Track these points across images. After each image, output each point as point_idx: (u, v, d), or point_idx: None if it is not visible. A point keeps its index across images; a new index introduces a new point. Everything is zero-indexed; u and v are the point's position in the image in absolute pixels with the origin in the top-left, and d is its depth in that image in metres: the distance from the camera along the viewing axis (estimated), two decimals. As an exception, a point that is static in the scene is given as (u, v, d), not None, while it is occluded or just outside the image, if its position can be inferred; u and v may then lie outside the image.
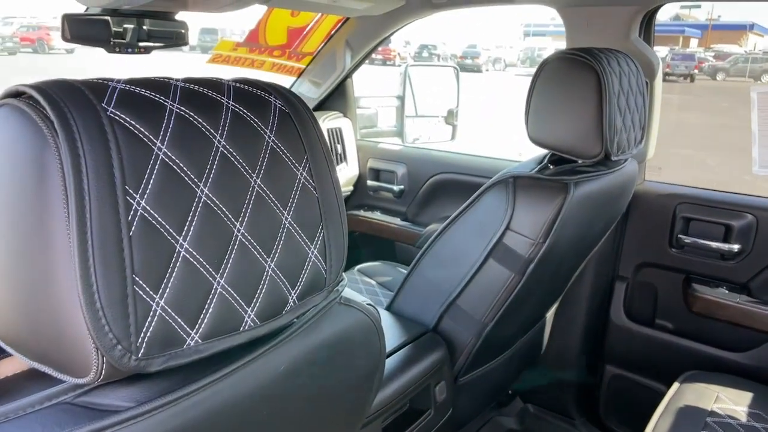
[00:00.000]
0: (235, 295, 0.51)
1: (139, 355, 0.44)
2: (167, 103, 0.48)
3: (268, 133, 0.54)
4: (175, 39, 1.23)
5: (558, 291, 1.59)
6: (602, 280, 1.80)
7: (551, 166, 1.31)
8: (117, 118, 0.44)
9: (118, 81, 0.48)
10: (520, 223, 1.21)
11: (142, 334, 0.44)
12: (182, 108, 0.48)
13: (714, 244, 1.61)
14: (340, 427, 0.80)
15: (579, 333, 1.82)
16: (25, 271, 0.42)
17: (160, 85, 0.49)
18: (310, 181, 0.59)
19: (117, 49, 1.14)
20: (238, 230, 0.51)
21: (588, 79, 1.19)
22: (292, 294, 0.58)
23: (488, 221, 1.26)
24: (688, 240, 1.65)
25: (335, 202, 0.62)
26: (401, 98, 2.52)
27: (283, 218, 0.56)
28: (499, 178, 1.26)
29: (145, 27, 1.16)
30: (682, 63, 21.65)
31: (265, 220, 0.53)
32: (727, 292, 1.63)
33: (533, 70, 1.30)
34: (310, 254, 0.59)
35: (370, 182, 2.39)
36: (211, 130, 0.50)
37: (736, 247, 1.59)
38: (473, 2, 1.87)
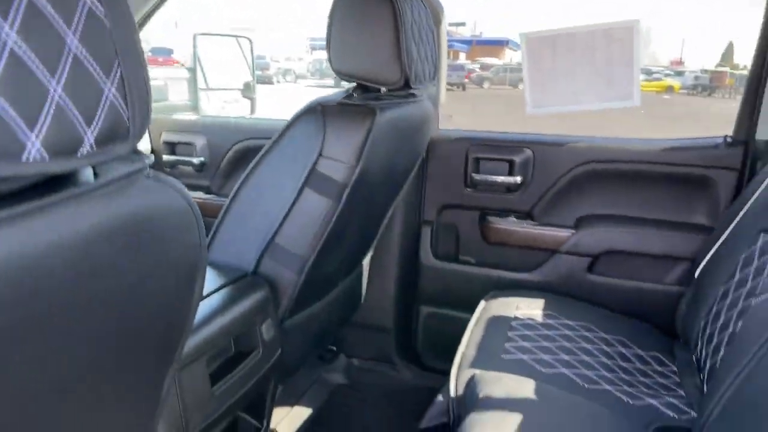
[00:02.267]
0: (10, 111, 0.42)
1: None
2: None
3: None
4: None
5: (372, 229, 1.63)
6: (410, 226, 1.90)
7: (356, 95, 1.34)
8: None
9: None
10: (333, 149, 1.22)
11: None
12: None
13: (500, 179, 1.80)
14: (158, 348, 0.71)
15: (394, 278, 1.89)
16: None
17: None
18: (98, 5, 0.51)
19: None
20: (7, 34, 0.43)
21: (383, 7, 1.24)
22: (88, 133, 0.50)
23: (300, 151, 1.24)
24: (479, 177, 1.82)
25: (132, 42, 0.55)
26: (192, 70, 2.39)
27: (66, 38, 0.48)
28: (306, 108, 1.25)
29: None
30: (454, 73, 24.06)
31: (40, 32, 0.45)
32: (515, 220, 1.83)
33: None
34: (107, 91, 0.52)
35: (165, 157, 2.23)
36: None
37: (518, 178, 1.79)
38: None
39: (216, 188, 2.20)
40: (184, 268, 0.68)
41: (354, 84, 1.38)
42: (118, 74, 0.53)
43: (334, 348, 1.98)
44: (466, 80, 24.66)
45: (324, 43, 1.31)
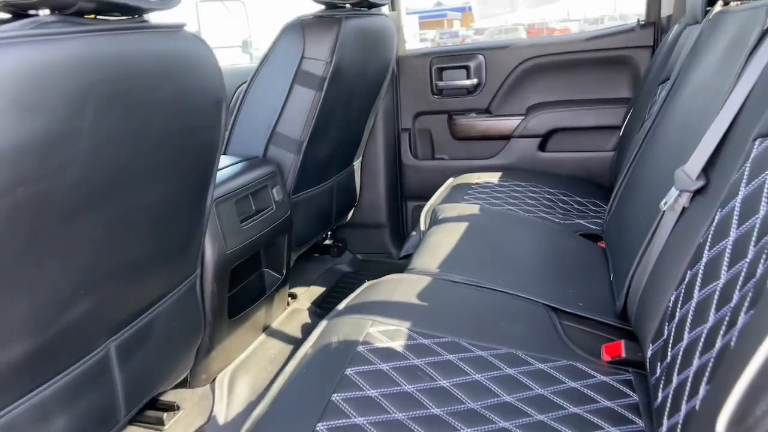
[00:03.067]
0: None
1: None
2: None
3: None
4: None
5: (356, 128, 2.00)
6: (390, 134, 2.27)
7: (320, 14, 1.70)
8: None
9: None
10: (312, 50, 1.59)
11: None
12: None
13: (460, 83, 2.16)
14: (194, 169, 1.08)
15: (382, 180, 2.27)
16: None
17: None
18: None
19: None
20: None
21: None
22: None
23: (288, 57, 1.61)
24: (443, 84, 2.18)
25: None
26: (197, 34, 2.76)
27: None
28: (288, 24, 1.62)
29: None
30: (449, 40, 24.24)
31: None
32: (476, 115, 2.19)
33: None
34: None
35: None
36: None
37: (475, 81, 2.14)
38: None
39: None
40: (213, 96, 1.06)
41: (323, 6, 1.74)
42: None
43: (340, 244, 2.37)
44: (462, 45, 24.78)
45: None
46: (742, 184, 0.74)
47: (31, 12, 0.79)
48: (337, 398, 0.82)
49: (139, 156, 0.93)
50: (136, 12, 0.91)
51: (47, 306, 0.87)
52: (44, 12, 0.79)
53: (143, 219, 1.00)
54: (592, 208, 1.74)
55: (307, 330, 1.74)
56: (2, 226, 0.73)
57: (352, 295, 1.14)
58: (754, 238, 0.65)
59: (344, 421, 0.77)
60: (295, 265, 1.83)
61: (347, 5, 1.71)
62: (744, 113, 0.83)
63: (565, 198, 1.78)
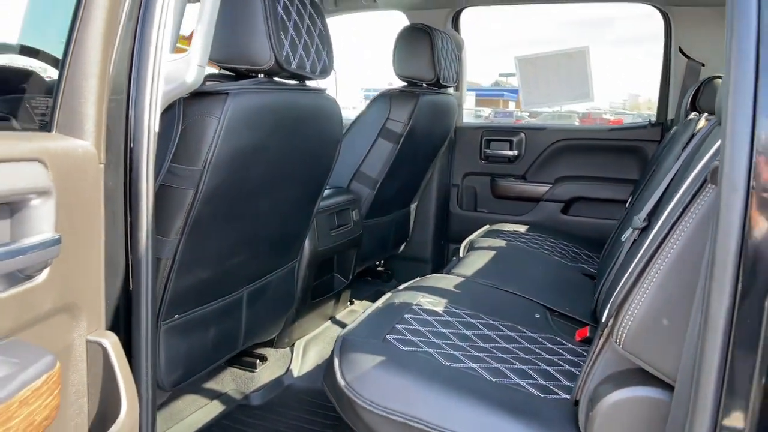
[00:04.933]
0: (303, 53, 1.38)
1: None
2: None
3: None
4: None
5: (417, 179, 2.54)
6: (443, 186, 2.80)
7: (404, 89, 2.28)
8: None
9: None
10: (395, 114, 2.16)
11: None
12: None
13: (503, 152, 2.69)
14: (313, 184, 1.62)
15: (432, 223, 2.79)
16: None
17: None
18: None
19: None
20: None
21: (424, 36, 2.19)
22: (317, 69, 1.44)
23: (377, 117, 2.19)
24: (490, 152, 2.72)
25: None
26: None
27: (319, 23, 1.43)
28: (379, 94, 2.21)
29: None
30: (504, 119, 25.15)
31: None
32: (513, 179, 2.71)
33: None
34: (324, 51, 1.47)
35: None
36: None
37: (515, 152, 2.68)
38: None
39: None
40: (335, 136, 1.61)
41: (405, 84, 2.33)
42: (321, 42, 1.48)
43: (390, 272, 2.87)
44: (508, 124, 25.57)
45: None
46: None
47: (251, 74, 1.36)
48: (399, 326, 1.31)
49: (291, 167, 1.48)
50: (303, 79, 1.48)
51: (223, 250, 1.40)
52: (260, 75, 1.36)
53: (282, 209, 1.55)
54: (596, 259, 2.20)
55: None
56: (224, 195, 1.27)
57: (407, 283, 1.64)
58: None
59: (404, 337, 1.26)
60: (353, 282, 2.34)
61: (424, 84, 2.29)
62: (673, 181, 1.33)
63: (576, 250, 2.25)
